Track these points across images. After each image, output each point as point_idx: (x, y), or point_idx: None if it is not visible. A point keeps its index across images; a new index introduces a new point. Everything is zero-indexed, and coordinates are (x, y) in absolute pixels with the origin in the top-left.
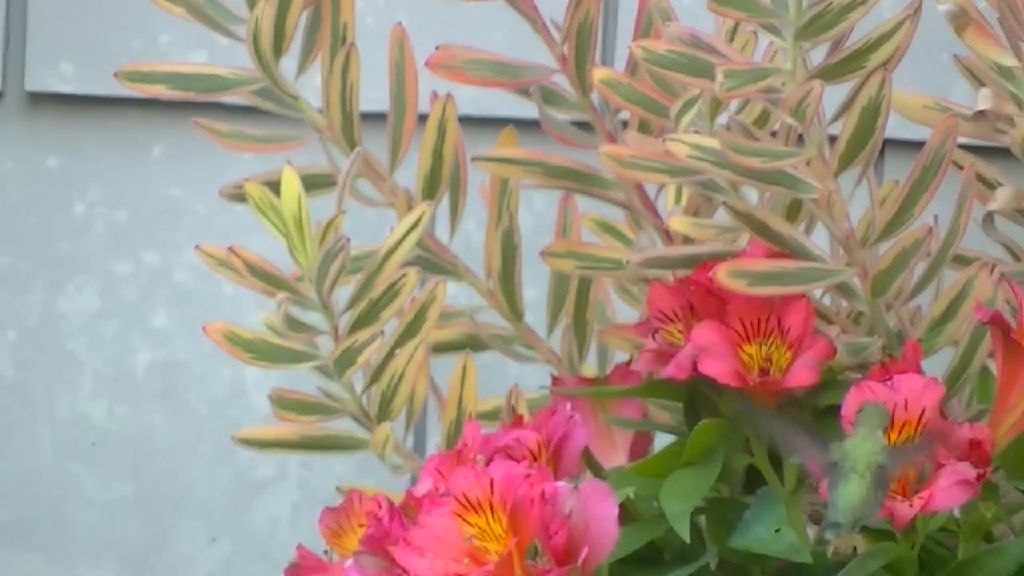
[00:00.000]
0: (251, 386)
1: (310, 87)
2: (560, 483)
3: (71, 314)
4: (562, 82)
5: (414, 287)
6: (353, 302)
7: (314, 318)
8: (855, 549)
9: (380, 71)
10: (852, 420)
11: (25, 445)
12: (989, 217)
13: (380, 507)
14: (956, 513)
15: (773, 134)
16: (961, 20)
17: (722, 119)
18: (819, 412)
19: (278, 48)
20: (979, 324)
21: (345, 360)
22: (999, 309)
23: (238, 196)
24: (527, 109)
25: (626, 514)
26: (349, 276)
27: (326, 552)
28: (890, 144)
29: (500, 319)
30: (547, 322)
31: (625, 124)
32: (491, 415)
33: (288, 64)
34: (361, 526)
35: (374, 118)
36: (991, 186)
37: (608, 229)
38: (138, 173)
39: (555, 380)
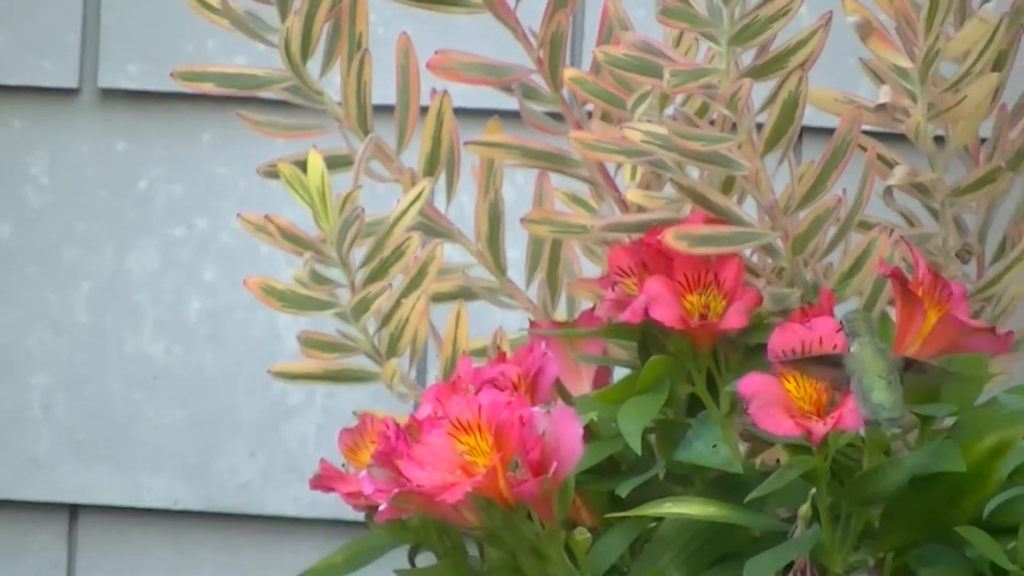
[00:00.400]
0: (283, 329)
1: (331, 85)
2: (536, 408)
3: (136, 270)
4: (538, 80)
5: (417, 248)
6: (367, 260)
7: (334, 273)
8: (778, 461)
9: (389, 71)
10: (839, 331)
11: (99, 379)
12: (888, 190)
13: (389, 428)
14: (861, 432)
15: (711, 122)
16: (865, 29)
17: (669, 110)
18: (749, 349)
19: (305, 53)
20: (880, 277)
21: (360, 308)
22: (897, 265)
23: (272, 174)
24: (510, 102)
25: (590, 433)
26: (363, 239)
27: (344, 465)
28: (807, 131)
29: (487, 274)
30: (526, 277)
31: (590, 115)
32: (480, 353)
33: (313, 66)
34: (373, 444)
35: (384, 110)
36: (890, 165)
37: (576, 200)
38: (191, 155)
39: (532, 324)
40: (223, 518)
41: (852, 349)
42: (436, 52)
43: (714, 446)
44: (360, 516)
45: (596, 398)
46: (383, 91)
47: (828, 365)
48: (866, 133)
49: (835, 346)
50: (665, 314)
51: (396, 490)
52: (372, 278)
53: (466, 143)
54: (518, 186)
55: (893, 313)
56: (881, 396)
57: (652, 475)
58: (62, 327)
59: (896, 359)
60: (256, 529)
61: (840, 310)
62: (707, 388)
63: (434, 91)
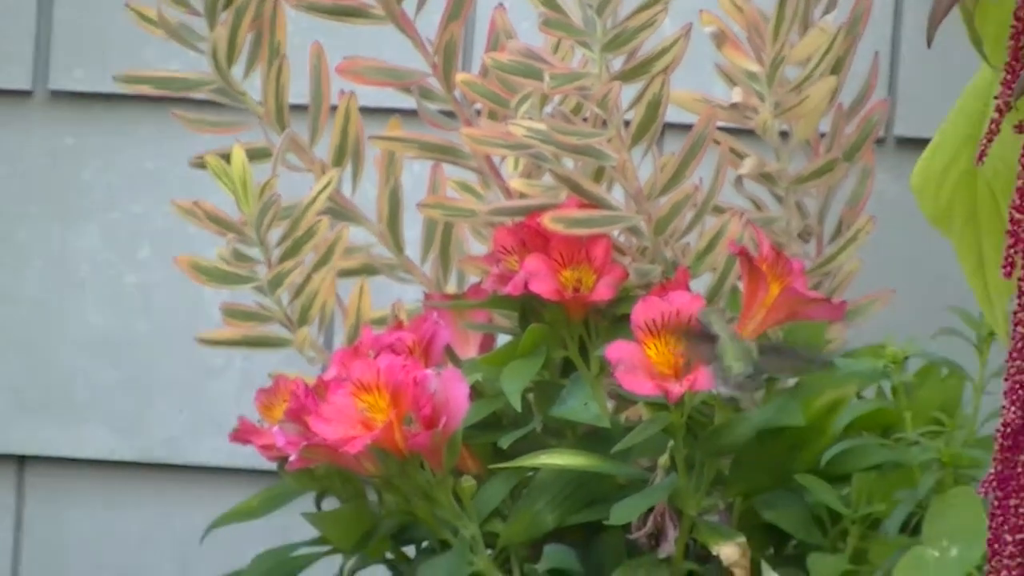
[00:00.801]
0: (207, 301)
1: (253, 86)
2: (428, 370)
3: (80, 249)
4: (434, 83)
5: (326, 229)
6: (282, 240)
7: (254, 252)
8: (640, 417)
9: (303, 75)
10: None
11: (46, 344)
12: (739, 179)
13: (299, 388)
14: (714, 391)
15: (585, 120)
16: (720, 38)
17: (548, 109)
18: (616, 319)
19: (230, 59)
20: (731, 255)
21: (275, 282)
22: (745, 245)
23: (201, 165)
24: (409, 102)
25: (476, 392)
26: (280, 222)
27: (260, 421)
28: (668, 127)
29: (388, 252)
30: (421, 255)
31: (479, 113)
32: (380, 322)
33: (237, 70)
34: (285, 402)
35: (299, 108)
36: (740, 157)
37: (466, 188)
38: (129, 149)
39: (427, 296)
40: (154, 467)
41: (719, 340)
42: (344, 58)
43: (585, 404)
44: (273, 466)
45: (481, 361)
46: (298, 92)
47: (706, 339)
48: (720, 129)
49: (690, 317)
50: (543, 287)
51: (305, 443)
52: (286, 256)
53: (370, 137)
54: (415, 175)
55: (741, 287)
56: (738, 368)
57: (530, 429)
58: (16, 299)
59: (751, 344)
60: (182, 477)
61: (695, 285)
62: (579, 352)
63: (342, 92)
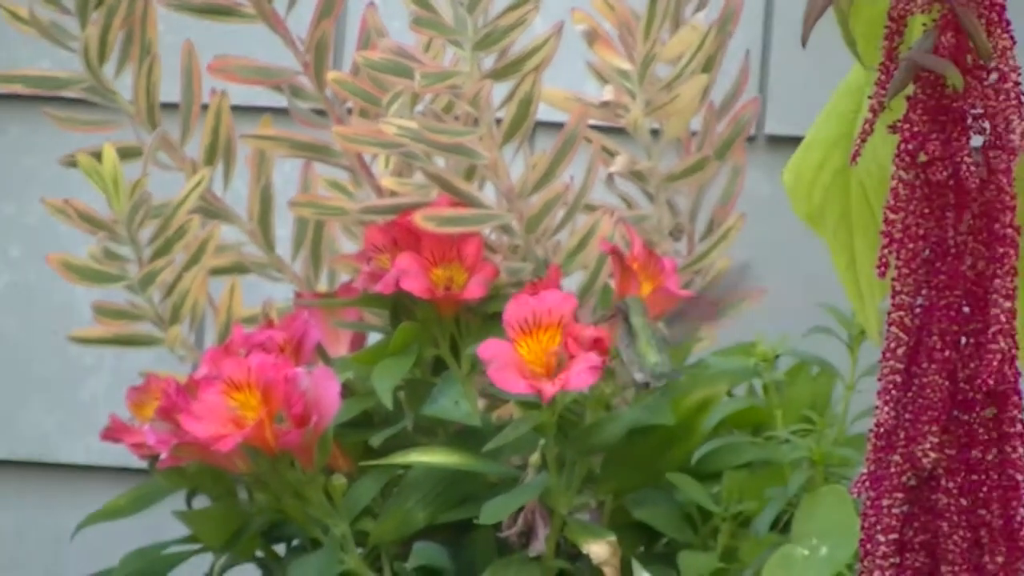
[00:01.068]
0: (79, 300)
1: (124, 85)
2: (299, 369)
3: None
4: (305, 81)
5: (197, 228)
6: (153, 239)
7: (125, 250)
8: (512, 415)
9: (175, 73)
10: (509, 322)
11: None
12: (610, 177)
13: (170, 387)
14: (586, 390)
15: (456, 118)
16: (592, 36)
17: (419, 107)
18: (487, 317)
19: (101, 57)
20: (602, 253)
21: (147, 280)
22: (617, 243)
23: (72, 163)
24: (280, 101)
25: (347, 390)
26: (151, 220)
27: (131, 419)
28: (540, 125)
29: (259, 251)
30: (292, 253)
31: (350, 111)
32: (251, 320)
33: (109, 68)
34: (156, 400)
35: (170, 107)
36: (612, 155)
37: (337, 186)
38: (1, 147)
39: (297, 295)
40: (25, 466)
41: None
42: (215, 56)
43: (456, 402)
44: (144, 464)
45: (352, 359)
46: (169, 91)
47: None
48: (592, 127)
49: (562, 316)
50: (414, 285)
51: (176, 441)
52: (158, 254)
53: (241, 136)
54: (286, 174)
55: (613, 284)
56: (653, 358)
57: (401, 427)
58: None
59: (658, 327)
60: (54, 476)
61: (567, 283)
62: (450, 351)
63: (214, 91)
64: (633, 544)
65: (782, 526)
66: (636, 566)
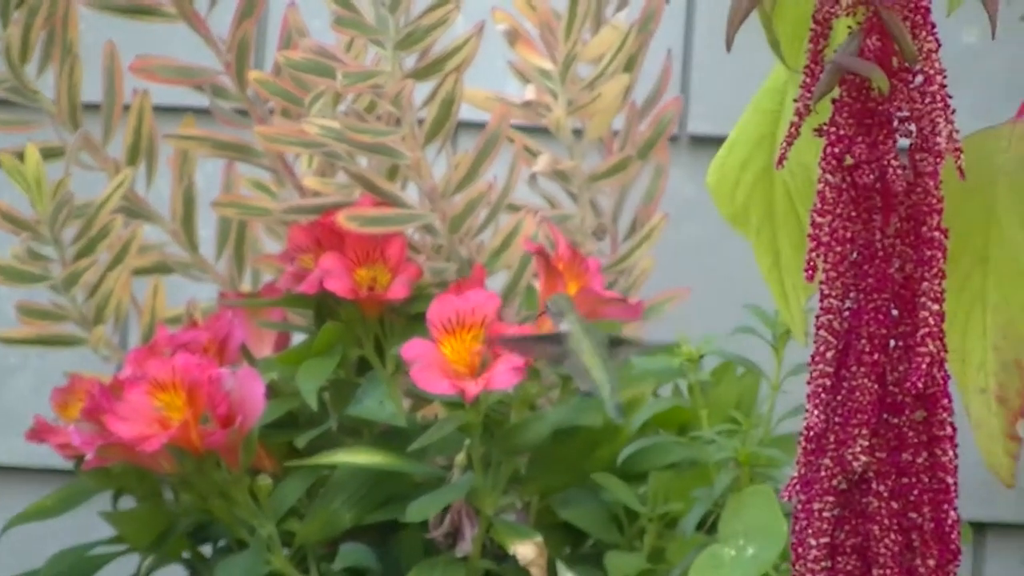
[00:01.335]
0: (3, 300)
1: (46, 85)
2: (224, 369)
3: None
4: (227, 81)
5: (120, 228)
6: (76, 239)
7: (48, 250)
8: (437, 415)
9: (97, 73)
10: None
11: None
12: (533, 177)
13: (95, 387)
14: (510, 390)
15: (378, 118)
16: (513, 36)
17: (342, 107)
18: (411, 317)
19: (23, 57)
20: (526, 253)
21: (70, 280)
22: (541, 243)
23: None
24: (202, 100)
25: (271, 391)
26: (74, 220)
27: (56, 420)
28: (462, 125)
29: (182, 251)
30: (215, 253)
31: (272, 111)
32: (175, 320)
33: (31, 69)
34: (81, 401)
35: (92, 107)
36: (534, 154)
37: (259, 186)
38: None
39: (221, 295)
40: None
41: (564, 328)
42: (137, 56)
43: (381, 402)
44: (70, 465)
45: (277, 360)
46: (91, 91)
47: (548, 343)
48: (514, 127)
49: (486, 316)
50: (338, 285)
51: (101, 442)
52: (81, 254)
53: (164, 136)
54: (208, 174)
55: (537, 285)
56: (600, 376)
57: (326, 428)
58: None
59: (602, 335)
60: None
61: (491, 283)
62: (375, 351)
63: (136, 90)
64: (559, 545)
65: (708, 526)
66: (561, 567)
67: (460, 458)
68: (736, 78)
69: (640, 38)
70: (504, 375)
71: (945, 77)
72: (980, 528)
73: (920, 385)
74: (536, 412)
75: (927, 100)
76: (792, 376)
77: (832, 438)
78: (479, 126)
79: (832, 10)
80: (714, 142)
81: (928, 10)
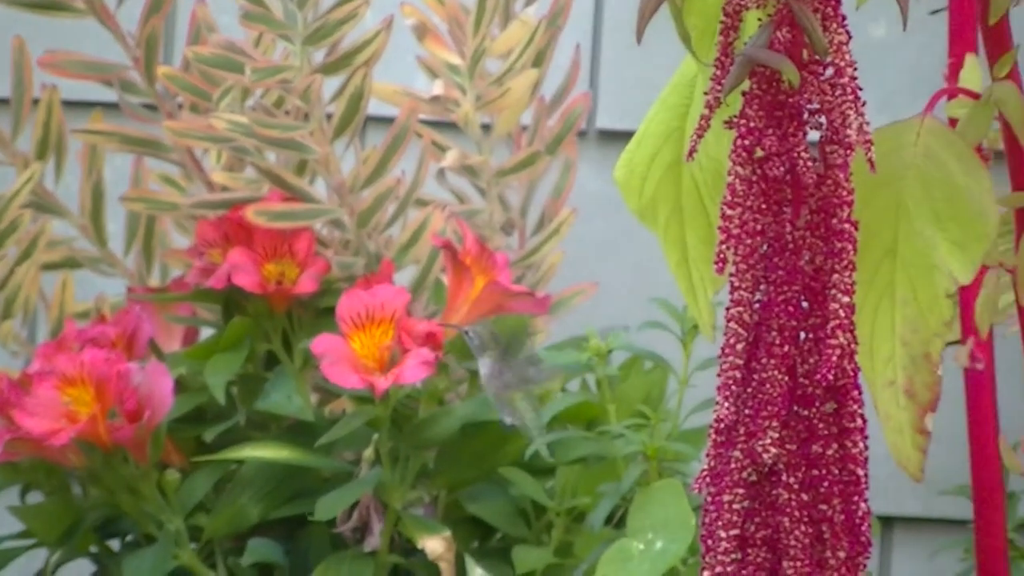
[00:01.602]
0: None
1: None
2: (132, 364)
3: None
4: (136, 76)
5: (28, 222)
6: None
7: None
8: (345, 410)
9: (5, 68)
10: (349, 319)
11: None
12: (441, 172)
13: (2, 382)
14: (419, 385)
15: (287, 113)
16: (421, 31)
17: (250, 102)
18: (319, 311)
19: None
20: (434, 248)
21: None
22: (449, 238)
23: None
24: (112, 95)
25: (180, 385)
26: None
27: None
28: (371, 120)
29: (90, 246)
30: (124, 248)
31: (181, 106)
32: (84, 315)
33: None
34: None
35: (1, 102)
36: (443, 149)
37: (168, 181)
38: None
39: (130, 289)
40: None
41: (483, 363)
42: (46, 51)
43: (289, 397)
44: None
45: (185, 355)
46: (0, 86)
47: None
48: (422, 122)
49: (395, 310)
50: (246, 280)
51: (9, 436)
52: None
53: (73, 131)
54: (117, 168)
55: (445, 280)
56: (530, 416)
57: (234, 422)
58: None
59: (522, 364)
60: None
61: (399, 277)
62: (283, 346)
63: (44, 85)
64: (468, 539)
65: (617, 521)
66: (469, 561)
67: (368, 453)
68: (644, 73)
69: (549, 33)
70: (413, 369)
71: (855, 70)
72: (888, 522)
73: (830, 377)
74: (445, 407)
75: (837, 92)
76: (700, 370)
77: (742, 430)
78: (388, 121)
79: (742, 2)
80: (622, 137)
81: (838, 2)
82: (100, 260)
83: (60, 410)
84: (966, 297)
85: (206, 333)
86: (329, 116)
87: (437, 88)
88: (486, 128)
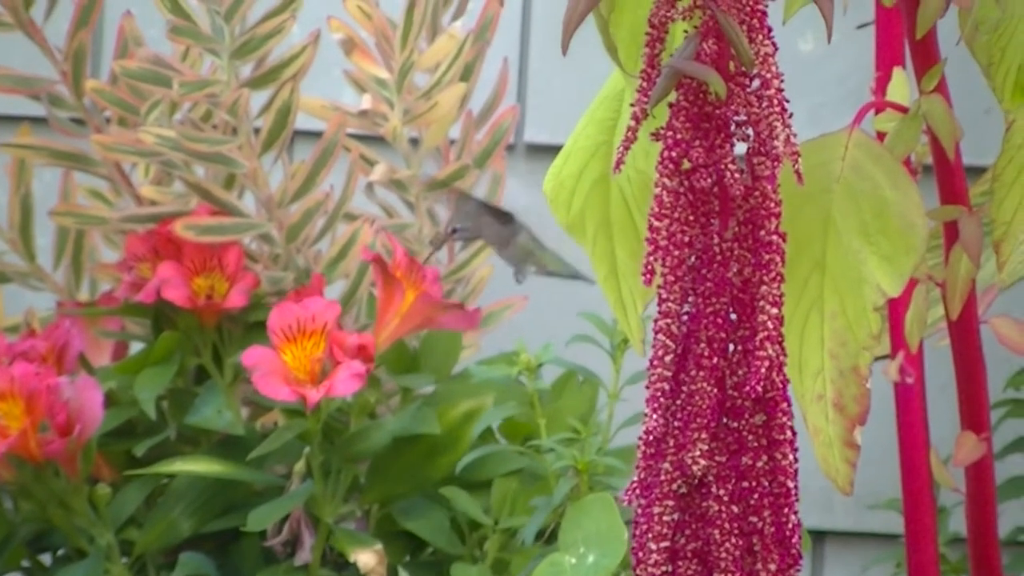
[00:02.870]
0: None
1: None
2: (62, 378)
3: None
4: (63, 90)
5: None
6: None
7: None
8: (276, 423)
9: None
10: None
11: None
12: (370, 186)
13: None
14: (350, 398)
15: (215, 127)
16: (348, 45)
17: (178, 116)
18: (249, 325)
19: None
20: (364, 262)
21: None
22: (378, 252)
23: None
24: (39, 110)
25: (110, 400)
26: None
27: None
28: (298, 134)
29: (19, 260)
30: (53, 262)
31: (109, 120)
32: (13, 330)
33: None
34: None
35: None
36: (371, 163)
37: (97, 195)
38: None
39: (60, 304)
40: None
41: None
42: None
43: (219, 411)
44: None
45: (115, 369)
46: None
47: (500, 221)
48: (350, 136)
49: (326, 323)
50: (175, 294)
51: None
52: None
53: (0, 145)
54: (46, 182)
55: (376, 293)
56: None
57: (165, 437)
58: None
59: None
60: None
61: (329, 292)
62: (213, 360)
63: None
64: (399, 553)
65: (548, 536)
66: (403, 574)
67: (299, 466)
68: (572, 87)
69: (476, 47)
70: (345, 382)
71: (782, 81)
72: (820, 536)
73: (759, 389)
74: (376, 420)
75: (764, 104)
76: (630, 384)
77: (672, 442)
78: (316, 135)
79: (668, 14)
80: (551, 150)
81: (764, 14)
82: (29, 274)
83: None
84: (896, 311)
85: (136, 347)
86: (257, 130)
87: (365, 102)
88: (414, 142)
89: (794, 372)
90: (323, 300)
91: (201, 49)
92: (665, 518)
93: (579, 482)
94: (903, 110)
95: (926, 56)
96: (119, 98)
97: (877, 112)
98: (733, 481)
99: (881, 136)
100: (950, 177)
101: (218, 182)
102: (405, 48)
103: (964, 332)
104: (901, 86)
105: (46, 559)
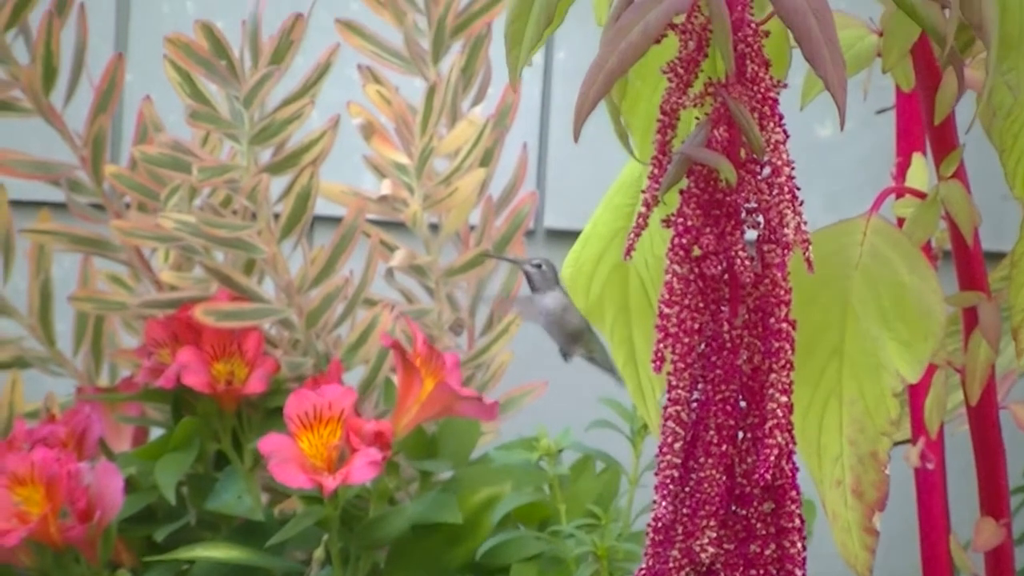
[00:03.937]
0: None
1: None
2: (82, 464)
3: None
4: (83, 176)
5: None
6: None
7: None
8: (294, 510)
9: None
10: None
11: None
12: (390, 271)
13: None
14: (368, 484)
15: (234, 212)
16: (368, 130)
17: (198, 201)
18: (269, 411)
19: None
20: (383, 348)
21: None
22: (398, 338)
23: None
24: (59, 195)
25: (130, 485)
26: None
27: None
28: (318, 219)
29: (39, 345)
30: (73, 347)
31: (128, 205)
32: (33, 415)
33: None
34: None
35: None
36: (391, 249)
37: (116, 280)
38: None
39: (79, 389)
40: None
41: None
42: None
43: (239, 496)
44: None
45: (135, 454)
46: None
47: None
48: (370, 221)
49: (343, 410)
50: (195, 380)
51: None
52: None
53: (20, 230)
54: (65, 268)
55: (395, 379)
56: (603, 352)
57: (185, 522)
58: None
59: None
60: None
61: (348, 377)
62: (233, 445)
63: None
64: None
65: None
66: None
67: (318, 552)
68: (591, 173)
69: (496, 133)
70: (362, 469)
71: (793, 169)
72: None
73: (768, 477)
74: (395, 506)
75: (774, 191)
76: (650, 470)
77: (680, 529)
78: (335, 220)
79: (679, 100)
80: (570, 236)
81: (776, 101)
82: (49, 360)
83: (11, 510)
84: (916, 396)
85: (156, 433)
86: (276, 216)
87: (385, 187)
88: (434, 227)
89: (813, 457)
90: (340, 387)
91: (220, 134)
92: None
93: (599, 568)
94: (922, 196)
95: (944, 142)
96: (138, 183)
97: (897, 197)
98: (741, 569)
99: (901, 222)
100: (969, 263)
101: (238, 267)
102: (425, 133)
103: (983, 418)
104: (920, 171)
105: None
